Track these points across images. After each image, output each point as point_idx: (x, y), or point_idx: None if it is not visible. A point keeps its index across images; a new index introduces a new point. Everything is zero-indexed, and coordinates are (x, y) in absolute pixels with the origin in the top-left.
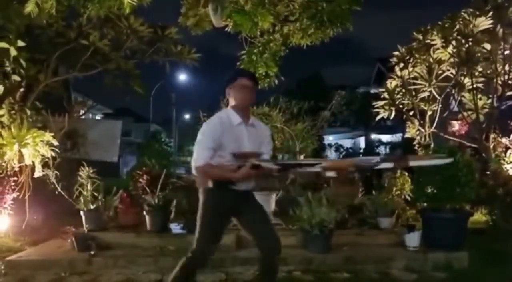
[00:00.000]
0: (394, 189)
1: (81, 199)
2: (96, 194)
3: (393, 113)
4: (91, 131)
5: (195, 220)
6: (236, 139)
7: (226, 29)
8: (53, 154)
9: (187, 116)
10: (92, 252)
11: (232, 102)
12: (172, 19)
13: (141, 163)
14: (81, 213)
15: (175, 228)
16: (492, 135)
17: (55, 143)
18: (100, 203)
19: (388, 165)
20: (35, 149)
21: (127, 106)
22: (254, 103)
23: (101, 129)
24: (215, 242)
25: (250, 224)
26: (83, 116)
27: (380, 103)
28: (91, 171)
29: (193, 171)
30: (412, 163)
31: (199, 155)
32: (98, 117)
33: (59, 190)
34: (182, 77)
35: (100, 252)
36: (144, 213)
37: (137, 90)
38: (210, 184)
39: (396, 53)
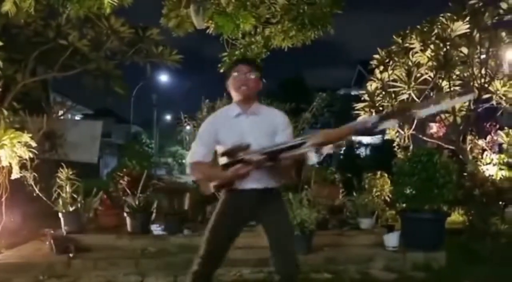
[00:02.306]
0: (374, 190)
1: (60, 200)
2: (75, 196)
3: (373, 115)
4: (70, 132)
5: (176, 221)
6: (234, 132)
7: (207, 30)
8: (31, 155)
9: (168, 117)
10: (71, 255)
11: (233, 95)
12: (154, 20)
13: (122, 164)
14: (60, 215)
15: (156, 229)
16: (469, 138)
17: (33, 144)
18: (79, 204)
19: (391, 123)
20: (12, 150)
21: (107, 107)
22: (255, 91)
23: (80, 130)
24: (218, 256)
25: (267, 233)
26: (62, 117)
27: (361, 105)
28: (70, 172)
29: (187, 170)
30: (419, 113)
31: (190, 153)
32: (77, 118)
33: (37, 191)
34: (164, 78)
35: (79, 255)
36: (125, 214)
37: (118, 91)
38: (212, 188)
39: (376, 56)
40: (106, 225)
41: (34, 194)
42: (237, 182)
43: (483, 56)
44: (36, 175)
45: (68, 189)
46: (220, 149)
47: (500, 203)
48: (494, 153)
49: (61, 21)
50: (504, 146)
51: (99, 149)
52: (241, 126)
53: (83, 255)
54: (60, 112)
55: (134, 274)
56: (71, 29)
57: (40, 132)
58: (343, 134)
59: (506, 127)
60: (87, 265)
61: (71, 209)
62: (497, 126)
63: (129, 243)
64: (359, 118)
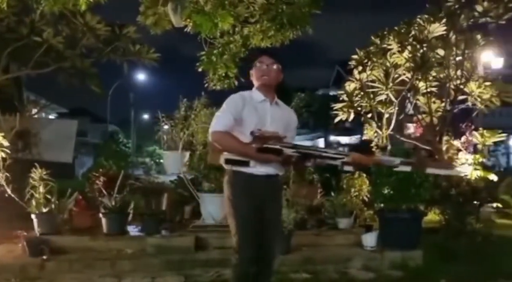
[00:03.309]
0: (353, 190)
1: (33, 201)
2: (49, 196)
3: (352, 115)
4: (44, 131)
5: (153, 222)
6: (258, 116)
7: (185, 29)
8: (3, 155)
9: (146, 116)
10: (44, 257)
11: (255, 83)
12: (131, 18)
13: (98, 163)
14: (33, 216)
15: (133, 230)
16: (445, 138)
17: (6, 143)
18: (53, 205)
19: (406, 168)
20: None
21: (83, 106)
22: (275, 81)
23: (55, 129)
24: (255, 244)
25: (262, 217)
26: (36, 116)
27: (339, 105)
28: (44, 172)
29: (209, 137)
30: (430, 170)
31: (218, 120)
32: (52, 117)
33: (9, 192)
34: (141, 77)
35: (54, 257)
36: (101, 215)
37: (94, 90)
38: (221, 161)
39: (355, 56)
40: (81, 226)
41: (6, 195)
42: (257, 164)
43: (459, 58)
44: (8, 175)
45: (41, 189)
46: (246, 127)
47: (475, 202)
48: (469, 153)
49: (35, 17)
50: (479, 146)
51: (74, 148)
52: (265, 112)
53: (57, 257)
54: (34, 110)
55: (110, 276)
56: (46, 25)
57: (13, 131)
58: (371, 162)
59: (481, 128)
60: (61, 267)
61: (44, 210)
62: (472, 127)
63: (105, 244)
64: (386, 157)
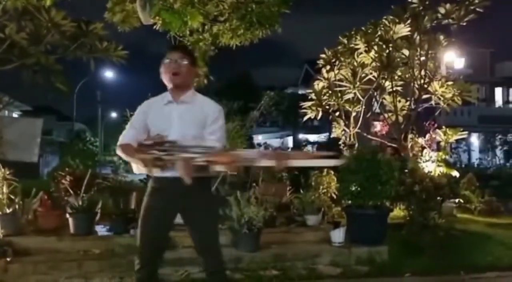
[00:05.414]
0: (321, 187)
1: None
2: (12, 197)
3: (320, 114)
4: (7, 129)
5: (122, 221)
6: (163, 119)
7: (154, 26)
8: None
9: (114, 115)
10: (8, 259)
11: (165, 83)
12: (98, 14)
13: (64, 163)
14: None
15: (101, 230)
16: (410, 136)
17: None
18: (17, 206)
19: (270, 163)
20: None
21: (48, 104)
22: (187, 78)
23: (19, 127)
24: (151, 246)
25: (189, 231)
26: None
27: (308, 104)
28: (7, 172)
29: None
30: (293, 163)
31: (122, 134)
32: (15, 115)
33: None
34: (109, 74)
35: (18, 258)
36: (67, 215)
37: (59, 88)
38: (138, 170)
39: (323, 56)
40: (46, 226)
41: None
42: (159, 169)
43: (422, 58)
44: None
45: (4, 189)
46: (154, 133)
47: (438, 198)
48: (432, 150)
49: None
50: (442, 143)
51: (39, 147)
52: (170, 114)
53: (21, 259)
54: None
55: (77, 277)
56: (8, 21)
57: None
58: (233, 161)
59: (443, 126)
60: (26, 269)
61: (8, 211)
62: (436, 125)
63: (71, 245)
64: (249, 152)
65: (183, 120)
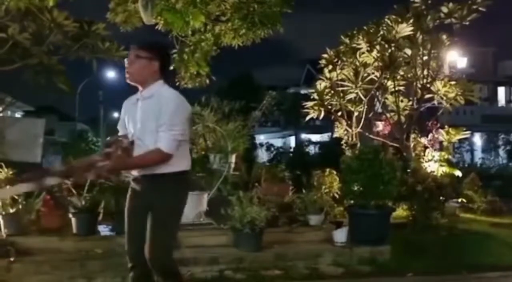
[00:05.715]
0: (323, 187)
1: None
2: (15, 197)
3: (322, 113)
4: (10, 130)
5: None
6: (131, 118)
7: (156, 27)
8: None
9: (116, 115)
10: (11, 259)
11: None
12: (100, 15)
13: (66, 163)
14: None
15: (104, 230)
16: (412, 136)
17: None
18: (20, 206)
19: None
20: None
21: (51, 104)
22: (141, 74)
23: (21, 128)
24: (133, 244)
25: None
26: (1, 114)
27: (310, 104)
28: (10, 172)
29: None
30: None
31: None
32: (18, 115)
33: None
34: (111, 74)
35: (21, 258)
36: (70, 215)
37: (61, 88)
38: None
39: (325, 55)
40: (49, 226)
41: None
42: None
43: (425, 58)
44: None
45: None
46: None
47: (441, 198)
48: (435, 150)
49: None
50: (445, 143)
51: (41, 148)
52: (136, 112)
53: (24, 259)
54: None
55: (80, 277)
56: (11, 21)
57: None
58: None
59: (446, 126)
60: (28, 269)
61: (11, 211)
62: (438, 125)
63: (74, 245)
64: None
65: (145, 114)
